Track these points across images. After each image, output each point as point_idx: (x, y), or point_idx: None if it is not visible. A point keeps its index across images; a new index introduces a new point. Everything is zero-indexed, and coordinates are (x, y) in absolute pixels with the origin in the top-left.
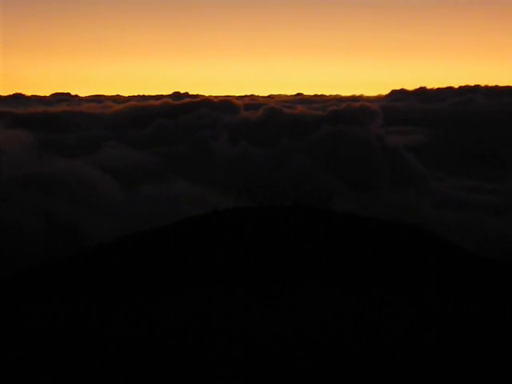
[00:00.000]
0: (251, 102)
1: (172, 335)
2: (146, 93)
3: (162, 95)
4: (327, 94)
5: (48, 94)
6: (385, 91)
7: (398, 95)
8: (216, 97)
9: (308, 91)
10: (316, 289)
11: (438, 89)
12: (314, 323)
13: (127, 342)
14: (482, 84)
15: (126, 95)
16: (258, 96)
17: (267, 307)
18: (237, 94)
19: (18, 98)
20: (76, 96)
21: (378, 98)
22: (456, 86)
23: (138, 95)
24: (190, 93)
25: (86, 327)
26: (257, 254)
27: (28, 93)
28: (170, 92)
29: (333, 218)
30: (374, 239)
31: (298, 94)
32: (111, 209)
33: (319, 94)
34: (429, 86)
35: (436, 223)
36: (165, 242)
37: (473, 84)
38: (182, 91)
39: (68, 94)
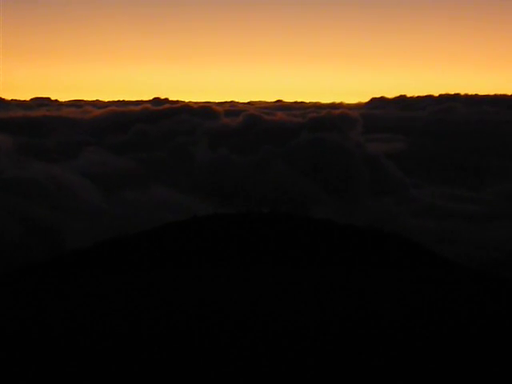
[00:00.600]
0: (231, 109)
1: (150, 340)
2: (126, 98)
3: (142, 101)
4: (307, 100)
5: (28, 99)
6: (365, 99)
7: (378, 103)
8: (196, 103)
9: (288, 98)
10: (292, 294)
11: (418, 97)
12: (290, 325)
13: (101, 348)
14: (462, 92)
15: (106, 100)
16: (238, 102)
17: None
18: (217, 100)
19: None
20: (56, 101)
21: (358, 106)
22: (436, 95)
23: (118, 100)
24: (170, 99)
25: (60, 332)
26: (235, 259)
27: (8, 97)
28: (150, 98)
29: (311, 224)
30: (350, 245)
31: (278, 101)
32: (90, 214)
33: (299, 100)
34: (409, 94)
35: (414, 231)
36: (144, 248)
37: (453, 92)
38: (162, 97)
39: (48, 98)
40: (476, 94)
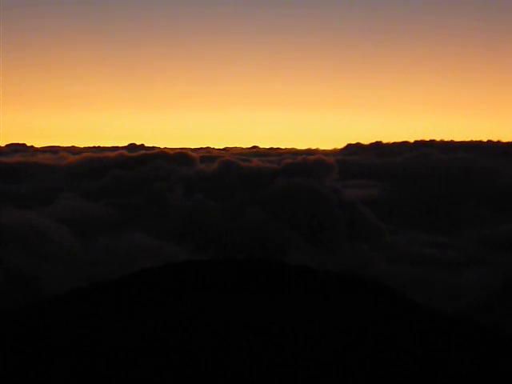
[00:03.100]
0: (207, 155)
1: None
2: (102, 144)
3: (117, 147)
4: (283, 146)
5: (3, 145)
6: (340, 145)
7: (354, 149)
8: (172, 149)
9: (264, 144)
10: (267, 339)
11: (394, 143)
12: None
13: None
14: (438, 139)
15: (82, 146)
16: (213, 148)
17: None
18: (192, 147)
19: None
20: (31, 147)
21: (334, 152)
22: (411, 141)
23: (94, 146)
24: (146, 144)
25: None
26: (210, 304)
27: None
28: (126, 144)
29: (287, 270)
30: (327, 291)
31: (254, 147)
32: (66, 260)
33: (275, 147)
34: (384, 140)
35: (390, 277)
36: (119, 293)
37: (428, 138)
38: (137, 143)
39: (23, 144)
40: (451, 141)
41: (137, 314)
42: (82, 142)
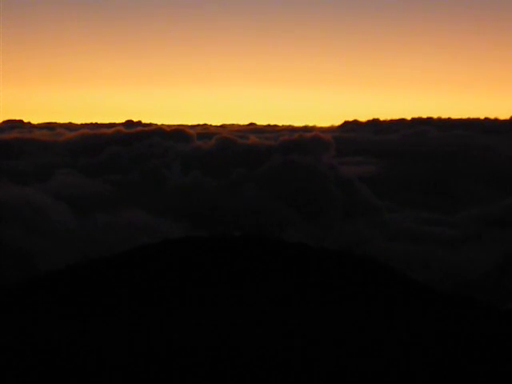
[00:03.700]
0: (204, 132)
1: (121, 357)
2: (99, 121)
3: (114, 123)
4: (280, 124)
5: (0, 121)
6: (337, 122)
7: (351, 126)
8: (169, 126)
9: (261, 121)
10: (261, 316)
11: (391, 120)
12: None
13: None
14: (435, 116)
15: (79, 123)
16: (210, 125)
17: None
18: (190, 123)
19: None
20: (28, 123)
21: (331, 129)
22: (409, 118)
23: (91, 123)
24: (143, 121)
25: (28, 355)
26: (207, 282)
27: None
28: (123, 120)
29: (284, 247)
30: (323, 269)
31: (251, 124)
32: (63, 236)
33: (272, 124)
34: (381, 118)
35: (387, 254)
36: (116, 270)
37: (425, 116)
38: (135, 119)
39: (20, 121)
40: (449, 118)
41: (134, 291)
42: (79, 119)
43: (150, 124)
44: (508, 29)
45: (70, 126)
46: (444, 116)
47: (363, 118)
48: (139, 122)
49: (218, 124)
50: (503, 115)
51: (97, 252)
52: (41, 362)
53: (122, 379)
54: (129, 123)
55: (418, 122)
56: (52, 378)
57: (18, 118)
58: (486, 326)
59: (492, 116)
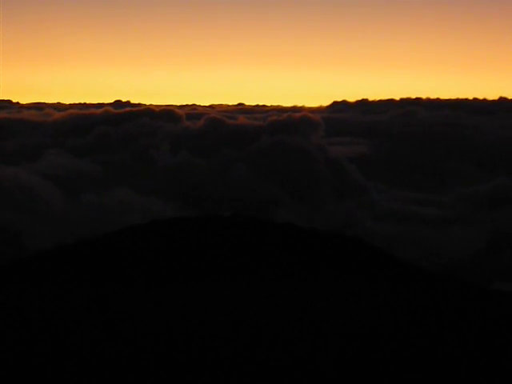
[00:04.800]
0: (192, 112)
1: (110, 338)
2: (88, 101)
3: (103, 103)
4: (268, 104)
5: None
6: (326, 102)
7: (340, 106)
8: (157, 106)
9: (249, 101)
10: (250, 293)
11: (380, 101)
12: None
13: (63, 347)
14: (424, 96)
15: (67, 103)
16: (199, 106)
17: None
18: (178, 104)
19: None
20: (17, 103)
21: (320, 109)
22: (397, 98)
23: (79, 103)
24: (132, 101)
25: (20, 333)
26: (196, 262)
27: None
28: (112, 100)
29: (273, 228)
30: (312, 249)
31: (240, 104)
32: (52, 216)
33: (261, 104)
34: (370, 98)
35: (376, 235)
36: (106, 250)
37: (414, 96)
38: (123, 100)
39: (9, 101)
40: (437, 98)
41: (123, 271)
42: (67, 99)
43: (139, 104)
44: (497, 10)
45: (58, 106)
46: (433, 96)
47: (352, 99)
48: (128, 102)
49: (207, 104)
50: (492, 96)
51: (85, 232)
52: (30, 342)
53: (109, 358)
54: (117, 103)
55: (406, 102)
56: (42, 359)
57: (6, 98)
58: (474, 306)
59: (481, 96)
